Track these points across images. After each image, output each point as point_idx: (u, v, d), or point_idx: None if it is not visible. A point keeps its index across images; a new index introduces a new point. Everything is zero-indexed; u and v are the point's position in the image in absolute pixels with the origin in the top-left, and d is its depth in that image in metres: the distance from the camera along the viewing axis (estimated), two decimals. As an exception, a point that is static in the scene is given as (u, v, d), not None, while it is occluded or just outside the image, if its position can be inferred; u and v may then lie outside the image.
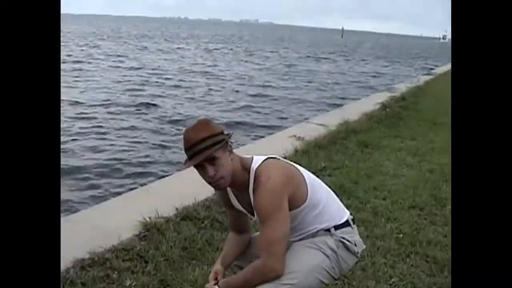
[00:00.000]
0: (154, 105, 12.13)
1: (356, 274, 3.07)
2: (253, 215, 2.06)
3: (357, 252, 2.15)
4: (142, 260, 3.09)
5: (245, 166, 2.01)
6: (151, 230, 3.48)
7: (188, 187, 4.38)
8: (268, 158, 2.05)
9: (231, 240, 2.28)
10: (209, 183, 1.98)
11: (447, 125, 8.74)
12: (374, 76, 23.62)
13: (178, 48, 34.92)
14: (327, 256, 2.05)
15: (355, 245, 2.12)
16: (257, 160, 2.02)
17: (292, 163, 2.16)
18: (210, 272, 2.21)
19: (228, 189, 2.11)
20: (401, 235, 3.74)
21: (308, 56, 34.20)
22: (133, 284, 2.78)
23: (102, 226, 3.61)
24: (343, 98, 15.22)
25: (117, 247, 3.20)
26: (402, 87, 14.51)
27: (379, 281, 3.04)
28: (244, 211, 2.15)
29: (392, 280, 3.07)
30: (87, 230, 3.52)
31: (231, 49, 35.43)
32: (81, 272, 2.89)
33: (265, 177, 1.93)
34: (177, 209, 3.89)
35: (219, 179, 1.94)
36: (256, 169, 1.98)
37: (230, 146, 1.99)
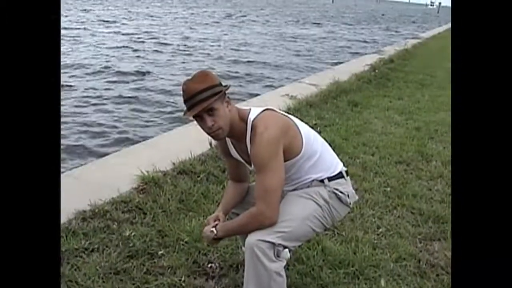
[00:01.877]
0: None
1: (345, 225, 3.07)
2: (250, 164, 2.02)
3: (349, 203, 2.12)
4: (141, 212, 3.07)
5: (243, 117, 1.96)
6: (149, 184, 3.43)
7: (185, 143, 4.36)
8: (266, 109, 2.00)
9: (230, 189, 2.25)
10: (208, 133, 1.94)
11: (433, 85, 8.72)
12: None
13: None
14: (320, 206, 2.03)
15: (348, 196, 2.09)
16: (254, 111, 1.97)
17: (288, 115, 2.11)
18: (206, 221, 2.18)
19: (227, 139, 2.07)
20: (388, 189, 3.74)
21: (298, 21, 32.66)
22: (132, 235, 2.76)
23: (102, 180, 3.57)
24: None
25: (116, 199, 3.16)
26: (390, 50, 14.34)
27: (367, 231, 3.04)
28: (242, 160, 2.11)
29: (380, 230, 3.08)
30: (87, 184, 3.48)
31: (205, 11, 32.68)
32: (83, 223, 2.86)
33: (262, 127, 1.89)
34: (174, 163, 3.84)
35: (217, 129, 1.90)
36: (253, 119, 1.94)
37: (228, 97, 1.94)
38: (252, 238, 1.88)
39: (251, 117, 1.95)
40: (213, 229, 2.04)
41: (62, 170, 4.30)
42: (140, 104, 8.09)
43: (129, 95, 8.56)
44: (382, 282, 2.51)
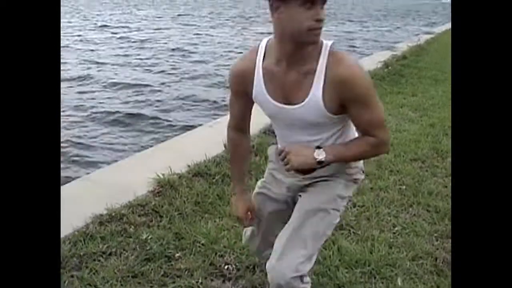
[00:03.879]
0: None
1: (361, 224, 3.06)
2: (286, 103, 1.70)
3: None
4: (157, 215, 3.09)
5: None
6: (165, 187, 3.45)
7: (199, 145, 4.38)
8: None
9: (238, 149, 1.97)
10: (310, 29, 1.53)
11: (447, 81, 8.61)
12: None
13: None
14: (339, 211, 1.89)
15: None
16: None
17: None
18: (238, 219, 2.03)
19: (258, 70, 1.71)
20: (403, 187, 3.71)
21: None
22: (149, 238, 2.78)
23: (118, 183, 3.60)
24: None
25: (133, 203, 3.19)
26: (403, 46, 14.21)
27: (383, 230, 3.02)
28: (270, 98, 1.72)
29: (396, 229, 3.06)
30: (104, 188, 3.52)
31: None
32: (100, 227, 2.89)
33: (352, 60, 1.65)
34: (189, 166, 3.85)
35: (320, 29, 1.56)
36: (331, 48, 1.63)
37: None
38: (282, 272, 1.75)
39: (327, 43, 1.65)
40: (322, 154, 1.70)
41: (78, 174, 4.36)
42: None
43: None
44: (399, 281, 2.50)
